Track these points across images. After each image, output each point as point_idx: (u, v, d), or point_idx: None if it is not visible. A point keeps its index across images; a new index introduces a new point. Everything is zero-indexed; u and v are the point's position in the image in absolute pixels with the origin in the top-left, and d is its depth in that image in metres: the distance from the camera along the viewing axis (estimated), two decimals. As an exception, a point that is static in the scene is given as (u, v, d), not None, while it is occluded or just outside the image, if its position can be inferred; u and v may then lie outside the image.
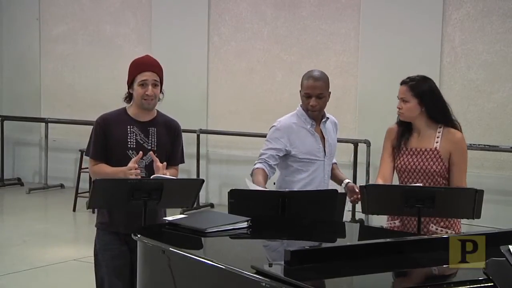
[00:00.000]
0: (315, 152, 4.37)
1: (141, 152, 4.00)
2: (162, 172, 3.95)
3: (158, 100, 4.15)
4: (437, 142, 4.08)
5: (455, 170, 4.08)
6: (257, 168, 4.29)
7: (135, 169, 3.92)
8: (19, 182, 10.74)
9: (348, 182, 4.36)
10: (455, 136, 4.10)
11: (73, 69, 10.57)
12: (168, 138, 4.18)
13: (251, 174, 4.32)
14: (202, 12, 9.45)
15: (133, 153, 4.06)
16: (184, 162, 4.33)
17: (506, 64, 7.74)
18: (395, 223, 4.15)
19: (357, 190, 4.18)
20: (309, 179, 4.35)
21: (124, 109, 4.18)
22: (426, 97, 4.07)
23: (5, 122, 10.65)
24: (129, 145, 4.08)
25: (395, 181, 4.26)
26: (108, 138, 4.10)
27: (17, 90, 10.98)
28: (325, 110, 4.45)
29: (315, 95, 4.31)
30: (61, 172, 10.34)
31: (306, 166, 4.36)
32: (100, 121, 4.15)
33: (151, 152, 4.05)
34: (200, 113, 9.46)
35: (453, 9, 7.96)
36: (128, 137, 4.09)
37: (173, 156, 4.21)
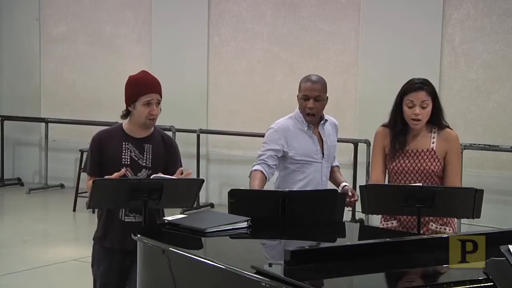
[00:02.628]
0: (312, 154, 4.37)
1: (123, 169, 3.96)
2: None
3: None
4: (433, 143, 4.09)
5: (450, 170, 4.08)
6: (255, 170, 4.27)
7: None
8: (19, 182, 10.74)
9: (345, 185, 4.37)
10: (451, 135, 4.12)
11: (73, 69, 10.57)
12: (164, 155, 4.15)
13: (249, 176, 4.32)
14: (202, 12, 9.45)
15: (127, 170, 4.04)
16: None
17: (506, 64, 7.74)
18: (392, 223, 4.14)
19: (350, 194, 4.22)
20: (306, 181, 4.34)
21: (121, 126, 4.16)
22: (436, 100, 4.07)
23: (5, 122, 10.64)
24: (123, 162, 4.06)
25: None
26: (102, 155, 4.09)
27: (17, 90, 10.98)
28: (325, 110, 4.45)
29: (313, 97, 4.32)
30: (61, 172, 10.34)
31: (303, 168, 4.36)
32: (96, 138, 4.15)
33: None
34: (200, 113, 9.46)
35: (453, 9, 7.96)
36: (123, 154, 4.07)
37: (174, 170, 4.17)
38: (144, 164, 4.09)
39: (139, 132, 4.11)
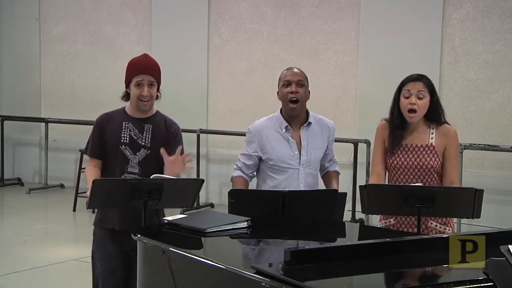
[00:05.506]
0: (287, 159, 4.20)
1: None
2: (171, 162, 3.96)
3: (156, 99, 4.17)
4: (432, 138, 4.09)
5: (449, 165, 4.09)
6: (236, 176, 4.27)
7: None
8: (19, 182, 10.74)
9: None
10: (450, 131, 4.13)
11: (73, 69, 10.58)
12: (164, 137, 4.17)
13: (231, 181, 4.30)
14: (202, 12, 9.45)
15: (126, 148, 4.09)
16: None
17: (506, 64, 7.74)
18: (390, 221, 4.15)
19: None
20: (280, 188, 4.15)
21: (123, 108, 4.23)
22: (434, 95, 4.08)
23: (5, 122, 10.65)
24: (122, 140, 4.11)
25: (387, 179, 4.27)
26: (103, 135, 4.16)
27: (17, 90, 10.98)
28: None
29: (295, 82, 4.20)
30: (61, 172, 10.35)
31: (277, 174, 4.22)
32: (99, 119, 4.24)
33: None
34: (200, 113, 9.46)
35: (453, 9, 7.96)
36: (122, 132, 4.12)
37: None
38: (143, 143, 4.12)
39: (139, 113, 4.16)
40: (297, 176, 4.22)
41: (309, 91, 4.29)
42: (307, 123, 4.27)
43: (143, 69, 4.11)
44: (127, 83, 4.14)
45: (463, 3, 7.91)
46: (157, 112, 4.23)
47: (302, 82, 4.22)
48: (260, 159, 4.28)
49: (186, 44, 9.54)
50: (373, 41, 8.34)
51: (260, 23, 9.15)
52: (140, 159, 4.11)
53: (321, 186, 4.50)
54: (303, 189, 4.22)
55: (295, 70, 4.31)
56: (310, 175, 4.28)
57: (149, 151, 4.11)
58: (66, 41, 10.60)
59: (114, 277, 4.12)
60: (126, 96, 4.18)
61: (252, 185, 4.43)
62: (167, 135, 4.18)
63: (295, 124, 4.26)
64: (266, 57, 9.13)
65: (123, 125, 4.13)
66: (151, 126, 4.15)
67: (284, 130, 4.24)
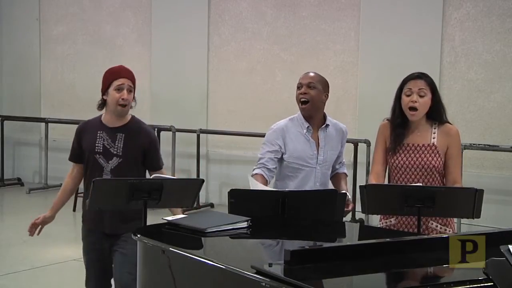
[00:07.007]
0: (307, 158, 4.34)
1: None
2: None
3: (130, 107, 4.31)
4: (434, 138, 4.09)
5: (451, 164, 4.09)
6: (255, 174, 4.28)
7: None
8: (19, 182, 10.74)
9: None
10: (452, 130, 4.13)
11: (73, 69, 10.58)
12: (138, 144, 4.26)
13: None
14: (202, 12, 9.45)
15: (100, 157, 4.23)
16: (162, 167, 4.39)
17: (506, 64, 7.74)
18: (391, 221, 4.15)
19: (348, 203, 4.18)
20: (297, 186, 4.30)
21: (100, 116, 4.38)
22: (436, 93, 4.09)
23: (5, 122, 10.65)
24: (96, 150, 4.26)
25: (387, 178, 4.27)
26: (81, 144, 4.34)
27: (17, 90, 10.99)
28: (326, 111, 4.44)
29: (305, 84, 4.31)
30: (61, 172, 10.24)
31: (295, 172, 4.34)
32: (78, 127, 4.45)
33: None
34: (200, 113, 9.46)
35: (453, 9, 7.96)
36: (96, 142, 4.26)
37: (154, 161, 4.33)
38: (115, 152, 4.24)
39: (114, 122, 4.29)
40: (313, 175, 4.35)
41: (326, 94, 4.39)
42: (325, 125, 4.41)
43: (123, 73, 4.32)
44: (105, 89, 4.28)
45: (463, 3, 7.91)
46: (132, 118, 4.35)
47: (312, 84, 4.32)
48: (281, 157, 4.34)
49: (186, 44, 9.54)
50: (373, 41, 8.35)
51: (260, 23, 9.15)
52: (112, 167, 4.22)
53: (331, 186, 4.55)
54: (319, 187, 4.35)
55: (310, 74, 4.42)
56: (325, 174, 4.43)
57: (121, 159, 4.22)
58: (66, 41, 10.60)
59: (91, 270, 4.33)
60: (102, 105, 4.31)
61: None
62: (141, 141, 4.27)
63: (313, 126, 4.39)
64: (266, 57, 9.13)
65: (98, 134, 4.28)
66: (123, 135, 4.26)
67: (305, 130, 4.36)
